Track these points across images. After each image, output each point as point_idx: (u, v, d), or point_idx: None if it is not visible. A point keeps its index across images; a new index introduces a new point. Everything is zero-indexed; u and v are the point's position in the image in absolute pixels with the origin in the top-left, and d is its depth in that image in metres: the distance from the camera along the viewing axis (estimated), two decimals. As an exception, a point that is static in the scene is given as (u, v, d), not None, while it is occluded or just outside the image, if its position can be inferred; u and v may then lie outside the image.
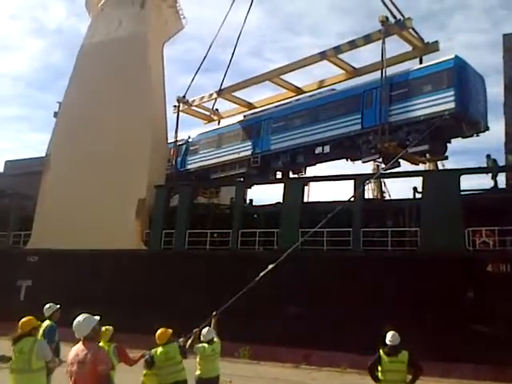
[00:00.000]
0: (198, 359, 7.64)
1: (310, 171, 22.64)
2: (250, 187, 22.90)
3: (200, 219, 20.97)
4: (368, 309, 14.66)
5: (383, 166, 19.56)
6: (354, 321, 14.68)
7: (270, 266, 9.17)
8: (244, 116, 25.31)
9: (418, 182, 17.17)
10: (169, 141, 24.66)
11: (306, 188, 19.04)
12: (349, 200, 15.49)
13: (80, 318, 4.96)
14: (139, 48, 23.94)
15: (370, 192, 20.89)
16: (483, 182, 18.15)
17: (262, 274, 9.10)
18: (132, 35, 24.34)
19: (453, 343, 13.48)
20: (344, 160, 20.78)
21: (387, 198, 21.44)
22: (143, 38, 24.06)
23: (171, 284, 18.47)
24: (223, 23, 24.19)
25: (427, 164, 20.47)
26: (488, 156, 17.35)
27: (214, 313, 8.47)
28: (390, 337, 6.45)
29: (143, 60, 23.69)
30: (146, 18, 24.71)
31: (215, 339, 7.88)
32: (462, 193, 16.08)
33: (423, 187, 16.52)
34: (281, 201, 18.93)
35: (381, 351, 6.35)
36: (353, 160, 20.13)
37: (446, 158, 19.23)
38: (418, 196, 17.17)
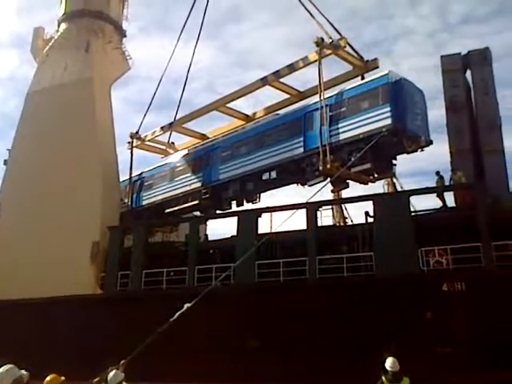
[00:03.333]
0: None
1: (271, 198, 22.10)
2: (204, 223, 22.11)
3: (156, 258, 19.87)
4: (326, 338, 14.46)
5: (340, 190, 19.14)
6: (313, 350, 14.44)
7: (186, 306, 8.52)
8: (190, 149, 24.70)
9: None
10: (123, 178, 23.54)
11: (259, 219, 18.16)
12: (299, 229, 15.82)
13: (1, 369, 4.66)
14: (85, 91, 23.31)
15: (331, 219, 20.26)
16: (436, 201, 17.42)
17: (177, 314, 8.46)
18: (77, 79, 23.71)
19: (415, 366, 12.87)
20: (295, 185, 20.22)
21: (349, 223, 20.95)
22: (89, 82, 23.45)
23: (129, 327, 17.55)
24: (169, 62, 23.93)
25: (386, 185, 19.89)
26: (437, 173, 16.95)
27: (123, 361, 7.47)
28: (390, 363, 6.21)
29: (89, 103, 23.04)
30: (91, 61, 24.11)
31: None
32: (413, 214, 15.81)
33: (374, 211, 16.04)
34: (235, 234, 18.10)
35: (383, 378, 6.15)
36: (302, 184, 19.38)
37: (393, 175, 18.69)
38: (371, 220, 16.79)
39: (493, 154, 16.71)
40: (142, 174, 25.22)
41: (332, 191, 19.20)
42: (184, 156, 23.87)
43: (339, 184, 18.42)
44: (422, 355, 12.93)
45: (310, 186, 18.46)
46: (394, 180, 19.29)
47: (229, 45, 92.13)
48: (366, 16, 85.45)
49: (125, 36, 26.58)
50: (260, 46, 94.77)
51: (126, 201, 24.24)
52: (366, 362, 13.18)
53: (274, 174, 19.34)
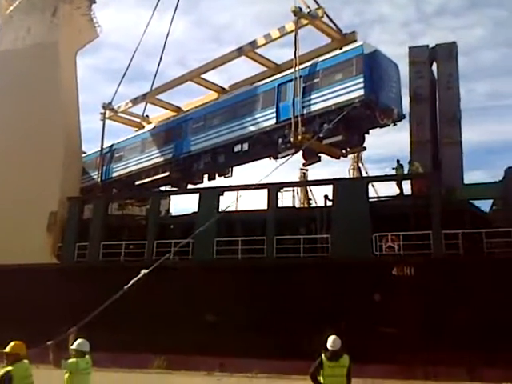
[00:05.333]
0: (66, 377, 6.23)
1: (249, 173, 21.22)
2: (166, 198, 21.47)
3: (115, 231, 19.54)
4: (282, 315, 14.52)
5: (312, 163, 18.42)
6: (267, 327, 14.46)
7: (143, 272, 8.12)
8: (163, 121, 23.71)
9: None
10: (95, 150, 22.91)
11: (221, 197, 17.76)
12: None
13: None
14: (49, 56, 22.19)
15: (294, 200, 19.75)
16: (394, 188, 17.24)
17: (133, 280, 7.98)
18: (42, 43, 22.55)
19: (363, 345, 12.85)
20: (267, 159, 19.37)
21: (313, 204, 20.52)
22: (54, 46, 22.35)
23: (84, 297, 16.87)
24: (144, 33, 22.72)
25: (351, 169, 19.40)
26: (398, 161, 16.94)
27: (73, 328, 6.98)
28: (331, 341, 6.10)
29: (54, 68, 22.01)
30: (57, 25, 22.92)
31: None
32: (371, 200, 15.87)
33: (333, 195, 15.99)
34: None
35: (323, 356, 6.03)
36: (274, 157, 18.71)
37: (364, 148, 18.11)
38: (330, 203, 16.62)
39: (450, 146, 16.68)
40: (112, 145, 24.47)
41: (304, 164, 18.53)
42: (156, 128, 23.18)
43: (311, 157, 17.83)
44: (370, 335, 13.23)
45: (281, 157, 17.83)
46: (360, 165, 18.86)
47: (204, 19, 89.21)
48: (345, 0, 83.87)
49: (94, 2, 25.04)
50: (236, 21, 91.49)
51: (96, 173, 23.48)
52: (318, 340, 13.52)
53: (245, 147, 18.64)
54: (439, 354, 12.55)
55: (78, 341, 6.50)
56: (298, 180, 18.85)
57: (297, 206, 22.47)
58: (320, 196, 19.13)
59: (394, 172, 17.34)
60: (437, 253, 13.82)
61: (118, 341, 15.20)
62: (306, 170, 19.17)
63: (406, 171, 16.90)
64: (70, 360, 6.28)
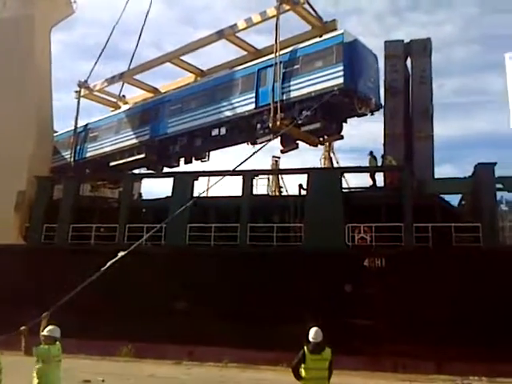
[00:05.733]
0: (37, 367, 6.01)
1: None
2: (139, 180, 20.85)
3: (86, 213, 18.92)
4: (254, 303, 14.35)
5: (289, 150, 18.11)
6: (238, 316, 14.27)
7: (120, 254, 7.92)
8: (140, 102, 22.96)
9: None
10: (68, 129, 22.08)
11: (195, 182, 17.41)
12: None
13: None
14: (24, 30, 21.34)
15: (268, 188, 19.45)
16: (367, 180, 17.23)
17: (109, 263, 7.76)
18: (17, 16, 21.57)
19: (334, 336, 12.89)
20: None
21: (284, 193, 20.34)
22: (29, 20, 21.43)
23: (52, 280, 16.22)
24: (122, 13, 22.04)
25: (323, 159, 19.20)
26: (371, 153, 16.96)
27: (45, 313, 6.78)
28: (312, 334, 6.00)
29: (28, 43, 21.21)
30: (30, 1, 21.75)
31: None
32: (344, 190, 15.86)
33: (308, 184, 15.85)
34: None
35: (305, 348, 5.90)
36: (252, 143, 18.41)
37: (342, 137, 18.01)
38: (304, 193, 16.53)
39: (423, 140, 16.87)
40: (87, 125, 23.62)
41: (281, 151, 18.22)
42: (132, 108, 22.48)
43: (289, 144, 17.67)
44: (341, 326, 13.07)
45: (259, 143, 17.53)
46: (331, 154, 18.72)
47: (180, 1, 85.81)
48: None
49: (71, -23, 23.48)
50: (213, 4, 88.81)
51: (69, 152, 22.66)
52: (289, 329, 13.18)
53: (223, 131, 18.29)
54: (409, 346, 12.66)
55: (49, 327, 6.31)
56: (270, 168, 18.39)
57: (269, 193, 22.23)
58: (291, 184, 18.98)
59: (366, 163, 17.34)
60: (407, 245, 13.96)
61: (86, 327, 14.83)
62: (278, 158, 19.00)
63: (379, 163, 16.95)
64: (42, 346, 6.09)
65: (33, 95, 20.47)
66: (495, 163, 14.83)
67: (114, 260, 7.72)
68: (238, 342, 13.54)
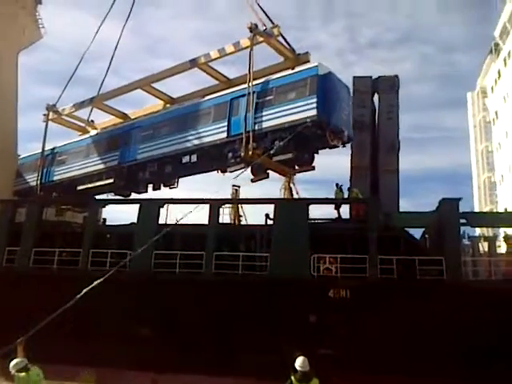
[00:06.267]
0: None
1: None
2: (104, 206, 20.50)
3: (49, 237, 18.27)
4: (219, 331, 14.34)
5: (260, 179, 17.92)
6: (203, 343, 14.23)
7: (96, 282, 8.19)
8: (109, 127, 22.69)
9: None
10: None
11: (161, 210, 17.08)
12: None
13: None
14: None
15: (227, 216, 19.21)
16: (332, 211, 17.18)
17: (85, 290, 8.00)
18: None
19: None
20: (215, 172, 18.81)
21: (243, 222, 20.01)
22: None
23: (14, 305, 15.58)
24: (94, 39, 21.39)
25: (283, 189, 18.96)
26: (337, 185, 17.15)
27: (21, 339, 6.93)
28: (300, 362, 5.97)
29: None
30: (0, 24, 21.46)
31: (32, 367, 6.50)
32: (310, 221, 15.84)
33: (275, 214, 15.84)
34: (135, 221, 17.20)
35: (292, 378, 5.85)
36: (222, 171, 18.26)
37: (313, 168, 17.72)
38: (270, 222, 16.49)
39: (389, 173, 17.03)
40: (54, 148, 23.16)
41: (252, 180, 17.96)
42: (102, 133, 22.23)
43: (260, 173, 17.50)
44: (305, 355, 12.51)
45: (230, 172, 17.48)
46: (292, 185, 18.60)
47: (142, 29, 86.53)
48: (286, 25, 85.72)
49: (40, 3, 23.36)
50: (174, 35, 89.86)
51: (35, 175, 22.02)
52: (253, 357, 13.25)
53: (194, 158, 18.09)
54: (371, 377, 12.51)
55: (12, 363, 6.38)
56: (230, 197, 18.14)
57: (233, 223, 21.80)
58: (250, 214, 18.85)
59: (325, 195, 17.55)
60: (372, 276, 14.00)
61: (47, 350, 13.86)
62: (238, 187, 18.64)
63: (345, 195, 17.12)
64: (22, 374, 6.13)
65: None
66: (460, 198, 15.14)
67: (90, 287, 7.84)
68: (202, 369, 13.41)
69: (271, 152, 15.17)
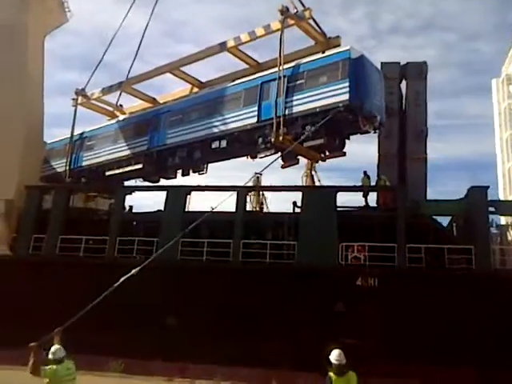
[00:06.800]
0: (46, 382, 5.97)
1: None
2: (130, 193, 20.00)
3: (75, 224, 18.15)
4: (243, 322, 13.91)
5: (290, 165, 17.47)
6: (230, 333, 13.90)
7: (134, 270, 7.88)
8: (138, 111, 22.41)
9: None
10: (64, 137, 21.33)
11: (188, 196, 16.95)
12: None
13: None
14: (17, 36, 20.75)
15: (249, 204, 18.78)
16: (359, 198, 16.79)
17: (122, 279, 7.75)
18: (11, 22, 20.87)
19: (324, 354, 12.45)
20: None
21: (265, 210, 19.66)
22: (23, 26, 20.88)
23: (40, 293, 15.60)
24: (119, 29, 20.99)
25: (305, 177, 18.53)
26: (365, 173, 16.72)
27: (58, 329, 6.69)
28: (337, 356, 5.74)
29: (21, 50, 20.64)
30: (28, 5, 21.26)
31: (66, 360, 6.23)
32: (338, 209, 15.45)
33: (302, 202, 15.59)
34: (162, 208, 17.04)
35: (331, 373, 5.63)
36: (252, 157, 17.81)
37: (344, 154, 16.93)
38: (298, 210, 16.21)
39: (416, 161, 16.67)
40: (83, 133, 22.92)
41: (282, 166, 17.49)
42: (130, 118, 21.91)
43: (289, 159, 17.00)
44: (332, 345, 12.31)
45: (260, 158, 16.97)
46: (313, 172, 18.17)
47: (163, 14, 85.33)
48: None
49: (66, -15, 23.08)
50: (196, 19, 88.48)
51: (64, 161, 21.88)
52: (279, 347, 13.21)
53: (224, 144, 17.53)
54: (399, 366, 12.33)
55: (52, 349, 6.18)
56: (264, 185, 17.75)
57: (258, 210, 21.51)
58: (273, 201, 18.48)
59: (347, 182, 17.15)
60: (401, 265, 13.73)
61: (75, 340, 13.93)
62: (260, 175, 18.18)
63: (372, 183, 16.74)
64: (49, 367, 5.93)
65: (24, 104, 19.92)
66: (488, 186, 14.76)
67: (127, 276, 7.61)
68: (231, 360, 13.22)
69: (302, 138, 14.58)
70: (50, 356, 5.99)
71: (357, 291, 13.62)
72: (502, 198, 34.27)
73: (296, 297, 13.91)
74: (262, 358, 13.11)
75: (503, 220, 19.20)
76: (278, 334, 13.40)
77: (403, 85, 18.53)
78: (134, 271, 7.73)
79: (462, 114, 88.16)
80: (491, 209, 14.68)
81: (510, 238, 16.35)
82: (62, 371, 5.92)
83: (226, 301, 14.24)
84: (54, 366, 5.89)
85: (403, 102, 18.29)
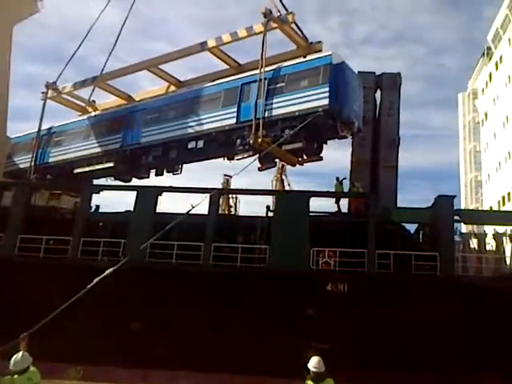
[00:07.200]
0: None
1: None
2: (97, 192, 18.85)
3: (37, 223, 16.89)
4: (212, 326, 13.64)
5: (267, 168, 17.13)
6: (197, 338, 13.49)
7: (108, 271, 7.40)
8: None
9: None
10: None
11: (159, 198, 16.30)
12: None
13: None
14: None
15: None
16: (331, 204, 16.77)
17: (96, 279, 7.31)
18: None
19: (295, 360, 12.22)
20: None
21: (237, 213, 19.37)
22: None
23: None
24: (95, 23, 20.27)
25: (275, 181, 18.39)
26: (337, 179, 16.78)
27: (24, 334, 6.30)
28: (315, 363, 5.45)
29: None
30: None
31: (31, 368, 5.74)
32: (311, 214, 15.38)
33: (275, 206, 15.56)
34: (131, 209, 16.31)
35: (308, 381, 5.41)
36: (229, 158, 17.44)
37: (321, 158, 16.97)
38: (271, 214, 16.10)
39: (388, 169, 16.77)
40: (51, 128, 21.88)
41: (259, 169, 17.17)
42: (103, 114, 21.13)
43: (267, 162, 16.83)
44: (300, 349, 12.00)
45: (237, 159, 16.75)
46: (283, 177, 18.08)
47: (135, 11, 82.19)
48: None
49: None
50: (169, 18, 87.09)
51: (29, 156, 20.77)
52: (249, 351, 12.86)
53: (201, 144, 17.19)
54: (368, 371, 12.25)
55: (13, 358, 5.71)
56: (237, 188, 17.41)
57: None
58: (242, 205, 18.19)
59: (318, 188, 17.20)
60: (370, 271, 13.82)
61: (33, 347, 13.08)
62: (230, 177, 17.87)
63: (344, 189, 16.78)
64: (6, 378, 5.48)
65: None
66: (454, 196, 15.19)
67: (100, 277, 7.23)
68: (195, 365, 12.88)
69: (281, 140, 14.46)
70: (11, 366, 5.51)
71: (327, 296, 13.57)
72: (463, 207, 35.65)
73: (267, 301, 13.64)
74: (227, 364, 12.77)
75: (464, 228, 19.78)
76: (247, 339, 13.12)
77: (377, 94, 18.86)
78: (107, 272, 7.30)
79: (427, 125, 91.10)
80: (456, 217, 15.03)
81: (471, 246, 16.80)
82: (21, 380, 5.43)
83: (196, 305, 13.80)
84: (10, 377, 5.42)
85: (377, 111, 18.58)
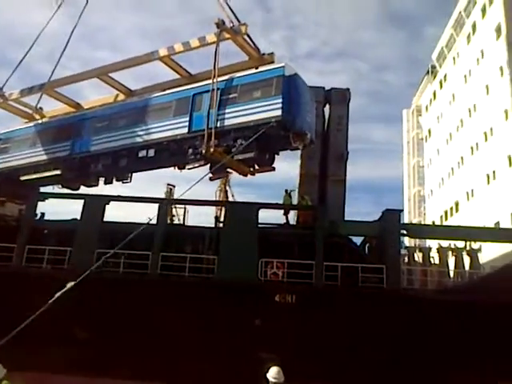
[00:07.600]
0: None
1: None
2: (43, 200, 18.08)
3: None
4: (160, 337, 13.40)
5: (218, 178, 16.96)
6: (143, 347, 13.37)
7: (69, 284, 7.08)
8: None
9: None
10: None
11: (107, 206, 15.95)
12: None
13: None
14: None
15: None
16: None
17: (59, 293, 6.95)
18: None
19: (243, 370, 12.57)
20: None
21: (176, 222, 19.27)
22: None
23: None
24: (42, 31, 19.23)
25: (218, 191, 18.35)
26: (286, 191, 16.87)
27: None
28: (274, 374, 5.54)
29: None
30: None
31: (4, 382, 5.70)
32: (259, 225, 15.48)
33: (225, 217, 15.68)
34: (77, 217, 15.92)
35: None
36: (180, 168, 17.06)
37: (274, 169, 16.85)
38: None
39: (336, 183, 17.06)
40: None
41: (210, 179, 17.06)
42: (51, 121, 20.33)
43: (219, 172, 16.51)
44: (248, 359, 12.52)
45: (188, 169, 16.36)
46: (227, 188, 18.14)
47: (77, 16, 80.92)
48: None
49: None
50: (114, 26, 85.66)
51: None
52: (196, 363, 12.63)
53: (151, 153, 16.75)
54: (314, 382, 12.34)
55: None
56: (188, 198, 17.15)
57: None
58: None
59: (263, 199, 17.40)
60: (318, 283, 13.91)
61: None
62: (173, 187, 17.69)
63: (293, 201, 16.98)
64: None
65: None
66: (402, 210, 15.77)
67: (63, 291, 6.95)
68: (141, 375, 12.73)
69: (234, 151, 14.41)
70: None
71: (275, 307, 13.52)
72: (407, 221, 36.50)
73: (215, 311, 13.42)
74: (178, 374, 12.54)
75: (408, 242, 20.48)
76: (195, 348, 12.86)
77: (326, 109, 19.19)
78: (69, 285, 6.99)
79: (369, 139, 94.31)
80: (403, 231, 15.48)
81: (416, 259, 17.35)
82: None
83: (143, 314, 13.44)
84: None
85: (325, 125, 18.96)
